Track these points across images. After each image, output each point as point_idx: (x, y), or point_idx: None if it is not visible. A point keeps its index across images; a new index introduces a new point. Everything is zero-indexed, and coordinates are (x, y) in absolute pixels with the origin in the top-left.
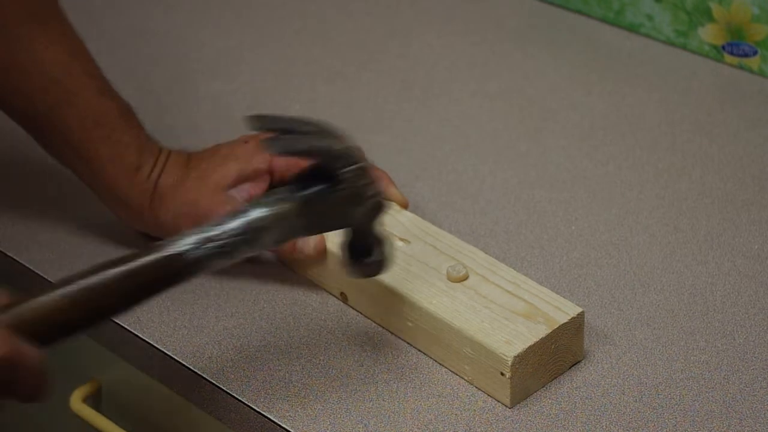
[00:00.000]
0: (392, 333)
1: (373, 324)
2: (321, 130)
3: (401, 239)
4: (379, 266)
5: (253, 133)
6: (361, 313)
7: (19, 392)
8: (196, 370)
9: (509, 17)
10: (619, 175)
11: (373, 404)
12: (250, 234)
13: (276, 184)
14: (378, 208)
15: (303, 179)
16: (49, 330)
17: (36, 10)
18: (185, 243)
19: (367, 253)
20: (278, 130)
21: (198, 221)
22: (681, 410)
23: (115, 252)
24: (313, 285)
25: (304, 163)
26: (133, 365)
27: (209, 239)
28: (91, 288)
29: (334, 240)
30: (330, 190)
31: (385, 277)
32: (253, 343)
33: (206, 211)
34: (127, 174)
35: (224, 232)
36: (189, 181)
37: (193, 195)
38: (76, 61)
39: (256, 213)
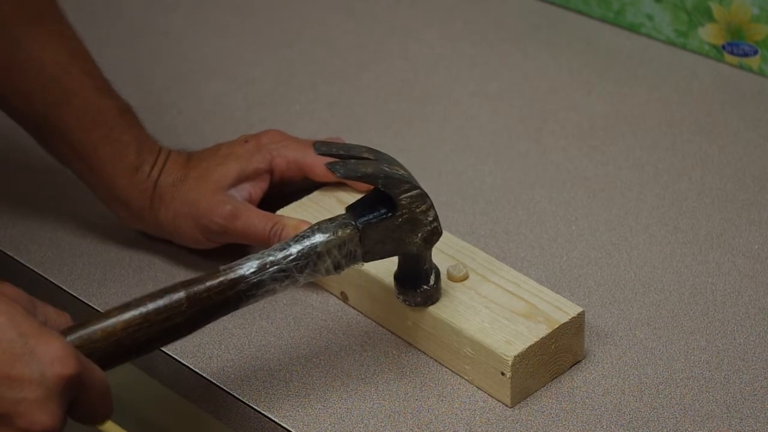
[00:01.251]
0: (392, 333)
1: (373, 324)
2: (379, 158)
3: None
4: (432, 295)
5: (254, 132)
6: (361, 313)
7: (84, 412)
8: (196, 370)
9: (509, 17)
10: (619, 175)
11: (373, 404)
12: (311, 259)
13: (276, 183)
14: (434, 235)
15: (361, 205)
16: (115, 352)
17: (35, 10)
18: (248, 267)
19: (419, 281)
20: (341, 156)
21: (197, 221)
22: (681, 410)
23: (115, 252)
24: (313, 285)
25: (306, 168)
26: (133, 365)
27: (272, 263)
28: (156, 312)
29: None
30: (389, 216)
31: (385, 277)
32: (253, 343)
33: (206, 211)
34: (127, 173)
35: (286, 257)
36: (189, 181)
37: (193, 195)
38: (74, 60)
39: (318, 238)
